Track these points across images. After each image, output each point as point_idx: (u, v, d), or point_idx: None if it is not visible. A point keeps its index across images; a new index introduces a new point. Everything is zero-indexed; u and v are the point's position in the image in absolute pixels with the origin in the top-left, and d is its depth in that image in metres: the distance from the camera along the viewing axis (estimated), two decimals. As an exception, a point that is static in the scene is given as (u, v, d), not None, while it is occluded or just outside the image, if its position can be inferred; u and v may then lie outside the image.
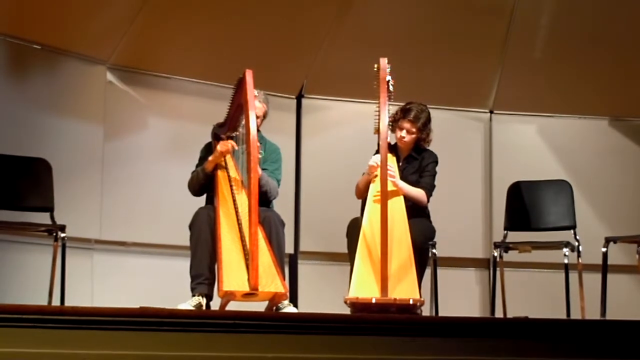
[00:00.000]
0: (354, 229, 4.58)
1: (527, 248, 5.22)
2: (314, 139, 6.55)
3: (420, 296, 4.32)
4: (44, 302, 4.82)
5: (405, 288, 4.27)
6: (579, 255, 5.10)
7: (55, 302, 4.82)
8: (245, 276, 4.21)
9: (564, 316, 5.06)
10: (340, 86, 6.47)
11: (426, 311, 4.85)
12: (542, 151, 6.72)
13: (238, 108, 4.51)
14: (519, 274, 6.15)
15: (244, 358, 3.28)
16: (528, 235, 5.41)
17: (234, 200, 4.51)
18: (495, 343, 3.45)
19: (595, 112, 6.74)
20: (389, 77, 4.51)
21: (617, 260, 5.68)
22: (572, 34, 6.43)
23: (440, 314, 5.00)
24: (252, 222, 4.24)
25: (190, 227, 4.51)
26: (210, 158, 4.64)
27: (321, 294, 6.15)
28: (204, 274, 4.40)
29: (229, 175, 4.61)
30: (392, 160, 4.69)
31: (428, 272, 4.83)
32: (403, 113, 4.79)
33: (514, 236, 5.40)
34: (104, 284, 5.74)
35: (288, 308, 4.47)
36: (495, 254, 5.27)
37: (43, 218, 5.05)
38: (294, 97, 6.54)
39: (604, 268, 5.09)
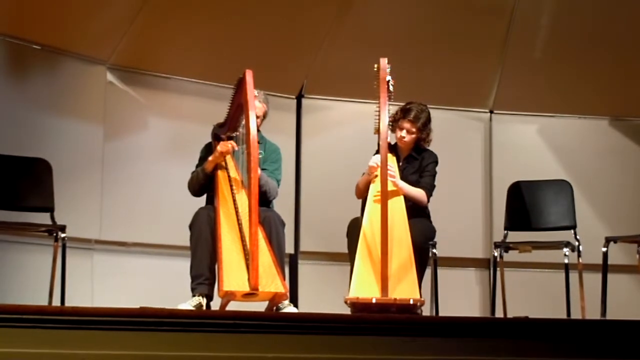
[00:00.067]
0: (354, 229, 4.58)
1: (527, 248, 5.22)
2: (314, 139, 6.55)
3: (421, 296, 4.32)
4: (44, 303, 4.82)
5: (406, 288, 4.27)
6: (579, 255, 5.10)
7: (56, 302, 4.82)
8: (246, 276, 4.21)
9: (564, 316, 5.06)
10: (341, 86, 6.47)
11: (426, 311, 4.85)
12: (542, 151, 6.72)
13: (238, 108, 4.51)
14: (519, 274, 6.15)
15: (244, 358, 3.28)
16: (528, 235, 5.41)
17: (234, 201, 4.51)
18: (495, 343, 3.45)
19: (596, 112, 6.75)
20: (389, 77, 4.52)
21: (618, 260, 5.68)
22: (572, 34, 6.43)
23: (440, 314, 5.00)
24: (253, 222, 4.24)
25: (191, 227, 4.51)
26: (210, 158, 4.64)
27: (321, 294, 6.15)
28: (204, 274, 4.40)
29: (229, 176, 4.61)
30: (392, 160, 4.69)
31: (428, 272, 4.83)
32: (403, 113, 4.79)
33: (514, 236, 5.40)
34: (104, 284, 5.74)
35: (288, 308, 4.47)
36: (496, 253, 5.27)
37: (43, 218, 5.05)
38: (294, 97, 6.54)
39: (604, 268, 5.08)
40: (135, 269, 5.89)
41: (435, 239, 4.86)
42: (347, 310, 4.25)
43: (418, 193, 4.70)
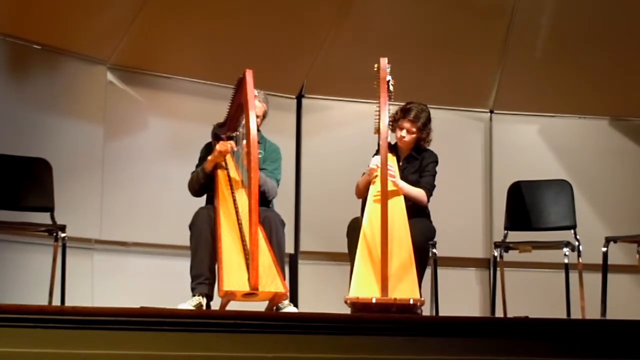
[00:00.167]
0: (354, 229, 4.58)
1: (527, 248, 5.22)
2: (314, 139, 6.55)
3: (421, 296, 4.32)
4: (45, 302, 4.82)
5: (406, 288, 4.27)
6: (579, 255, 5.10)
7: (56, 302, 4.82)
8: (246, 276, 4.21)
9: (564, 316, 5.06)
10: (341, 86, 6.47)
11: (426, 311, 4.85)
12: (543, 151, 6.72)
13: (238, 108, 4.51)
14: (519, 273, 6.15)
15: (245, 358, 3.28)
16: (528, 235, 5.41)
17: (234, 200, 4.51)
18: (495, 343, 3.45)
19: (596, 112, 6.75)
20: (389, 77, 4.52)
21: (618, 260, 5.68)
22: (572, 34, 6.43)
23: (440, 314, 5.00)
24: (253, 222, 4.24)
25: (191, 227, 4.51)
26: (209, 158, 4.64)
27: (321, 294, 6.15)
28: (204, 274, 4.40)
29: (229, 175, 4.61)
30: (392, 160, 4.69)
31: (428, 271, 4.83)
32: (403, 113, 4.79)
33: (514, 236, 5.40)
34: (104, 284, 5.74)
35: (288, 308, 4.47)
36: (496, 253, 5.27)
37: (43, 218, 5.05)
38: (294, 97, 6.54)
39: (604, 268, 5.08)
40: (135, 268, 5.89)
41: (435, 239, 4.86)
42: (347, 310, 4.25)
43: (418, 193, 4.70)
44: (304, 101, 6.57)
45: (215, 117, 4.78)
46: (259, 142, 4.51)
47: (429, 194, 4.75)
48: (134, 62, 5.97)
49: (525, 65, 6.56)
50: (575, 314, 5.16)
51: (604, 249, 5.08)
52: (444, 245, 5.03)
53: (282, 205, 5.07)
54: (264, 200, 4.58)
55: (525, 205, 5.48)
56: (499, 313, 5.33)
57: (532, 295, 6.26)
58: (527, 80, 6.63)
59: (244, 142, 4.45)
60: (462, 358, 3.41)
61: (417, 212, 4.67)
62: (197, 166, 4.78)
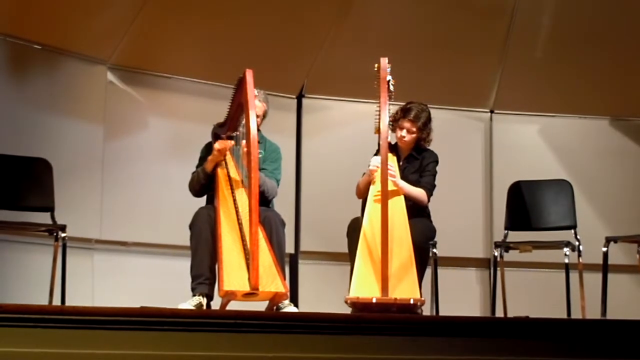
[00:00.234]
0: (354, 229, 4.58)
1: (527, 248, 5.22)
2: (315, 139, 6.55)
3: (421, 296, 4.31)
4: (45, 302, 4.82)
5: (406, 288, 4.27)
6: (579, 255, 5.10)
7: (56, 302, 4.83)
8: (246, 276, 4.21)
9: (564, 316, 5.06)
10: (341, 86, 6.47)
11: (427, 311, 4.85)
12: (543, 151, 6.72)
13: (238, 108, 4.51)
14: (520, 273, 6.16)
15: (245, 358, 3.28)
16: (529, 234, 5.41)
17: (235, 200, 4.51)
18: (495, 343, 3.45)
19: (596, 112, 6.75)
20: (389, 77, 4.52)
21: (618, 260, 5.68)
22: (572, 34, 6.43)
23: (440, 314, 5.00)
24: (253, 222, 4.24)
25: (191, 227, 4.51)
26: (209, 158, 4.64)
27: (321, 294, 6.15)
28: (205, 274, 4.40)
29: (229, 175, 4.61)
30: (392, 160, 4.69)
31: (428, 271, 4.83)
32: (403, 113, 4.79)
33: (515, 236, 5.40)
34: (104, 283, 5.74)
35: (288, 308, 4.47)
36: (496, 253, 5.27)
37: (43, 218, 5.05)
38: (294, 97, 6.54)
39: (605, 268, 5.08)
40: (135, 268, 5.89)
41: (435, 239, 4.86)
42: (347, 310, 4.25)
43: (418, 193, 4.70)
44: (304, 101, 6.57)
45: (215, 117, 4.78)
46: (259, 142, 4.51)
47: (430, 193, 4.75)
48: (134, 62, 5.97)
49: (526, 65, 6.56)
50: (576, 314, 5.16)
51: (604, 249, 5.08)
52: (444, 245, 5.03)
53: (282, 205, 5.07)
54: (264, 200, 4.58)
55: (526, 205, 5.48)
56: (499, 313, 5.33)
57: (533, 295, 6.26)
58: (527, 80, 6.63)
59: (244, 141, 4.45)
60: (462, 358, 3.41)
61: (417, 212, 4.67)
62: (197, 166, 4.78)
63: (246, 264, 4.25)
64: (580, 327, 3.63)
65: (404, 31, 6.35)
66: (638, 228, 5.57)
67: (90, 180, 5.75)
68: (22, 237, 5.31)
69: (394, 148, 4.83)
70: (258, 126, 4.59)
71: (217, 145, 4.61)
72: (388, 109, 4.51)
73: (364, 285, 4.29)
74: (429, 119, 4.80)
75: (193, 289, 4.40)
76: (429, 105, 4.87)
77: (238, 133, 4.64)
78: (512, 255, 5.37)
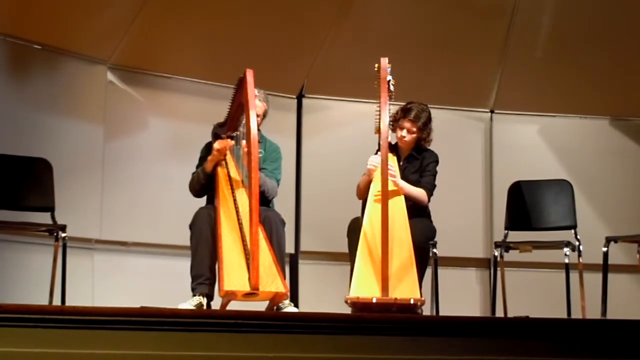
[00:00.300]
0: (354, 229, 4.58)
1: (527, 248, 5.22)
2: (315, 139, 6.55)
3: (421, 296, 4.31)
4: (45, 302, 4.82)
5: (406, 288, 4.27)
6: (579, 255, 5.10)
7: (56, 302, 4.83)
8: (246, 276, 4.21)
9: (564, 316, 5.06)
10: (341, 86, 6.47)
11: (427, 311, 4.85)
12: (543, 151, 6.72)
13: (239, 108, 4.51)
14: (520, 273, 6.16)
15: (245, 358, 3.28)
16: (529, 234, 5.41)
17: (235, 200, 4.50)
18: (495, 342, 3.45)
19: (596, 112, 6.75)
20: (389, 77, 4.52)
21: (618, 260, 5.68)
22: (572, 34, 6.43)
23: (441, 314, 5.00)
24: (253, 222, 4.24)
25: (191, 226, 4.51)
26: (209, 158, 4.64)
27: (322, 294, 6.15)
28: (205, 274, 4.40)
29: (229, 175, 4.61)
30: (392, 160, 4.69)
31: (429, 271, 4.83)
32: (403, 112, 4.79)
33: (515, 236, 5.40)
34: (104, 283, 5.74)
35: (289, 308, 4.47)
36: (496, 253, 5.27)
37: (44, 218, 5.05)
38: (294, 97, 6.54)
39: (605, 268, 5.08)
40: (135, 268, 5.89)
41: (435, 239, 4.86)
42: (347, 310, 4.25)
43: (419, 193, 4.70)
44: (304, 101, 6.57)
45: (215, 117, 4.78)
46: (259, 142, 4.51)
47: (430, 193, 4.75)
48: (134, 62, 5.97)
49: (526, 65, 6.56)
50: (576, 314, 5.16)
51: (605, 249, 5.08)
52: (445, 245, 5.03)
53: (282, 205, 5.07)
54: (264, 200, 4.58)
55: (526, 205, 5.48)
56: (499, 313, 5.33)
57: (533, 295, 6.26)
58: (527, 80, 6.63)
59: (244, 141, 4.45)
60: (462, 358, 3.41)
61: (417, 211, 4.67)
62: (197, 166, 4.78)
63: (246, 264, 4.25)
64: (580, 327, 3.63)
65: (404, 31, 6.35)
66: (638, 228, 5.57)
67: (90, 180, 5.75)
68: (22, 237, 5.31)
69: (394, 148, 4.83)
70: (258, 126, 4.59)
71: (217, 145, 4.62)
72: (388, 109, 4.51)
73: (364, 285, 4.29)
74: (429, 119, 4.80)
75: (193, 289, 4.40)
76: (429, 105, 4.87)
77: (238, 133, 4.64)
78: (512, 255, 5.37)
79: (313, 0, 6.14)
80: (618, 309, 5.16)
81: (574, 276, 5.12)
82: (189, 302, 4.32)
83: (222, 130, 4.71)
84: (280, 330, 3.33)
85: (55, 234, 4.85)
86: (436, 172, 4.81)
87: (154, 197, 5.96)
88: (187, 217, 4.55)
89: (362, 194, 4.75)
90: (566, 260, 5.06)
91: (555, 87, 6.63)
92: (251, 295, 4.21)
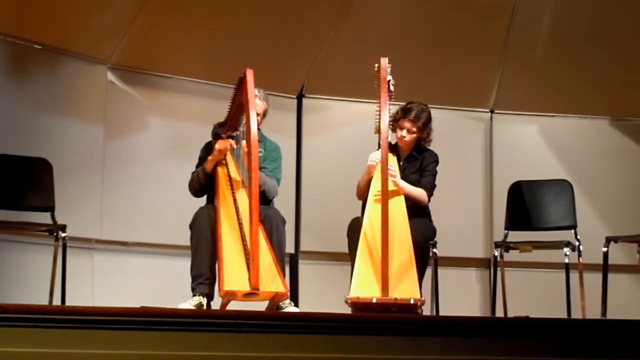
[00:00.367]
0: (354, 229, 4.58)
1: (527, 248, 5.22)
2: (315, 139, 6.55)
3: (421, 296, 4.32)
4: (45, 302, 4.82)
5: (406, 288, 4.27)
6: (579, 255, 5.10)
7: (56, 301, 4.83)
8: (246, 276, 4.21)
9: (564, 316, 5.06)
10: (341, 86, 6.47)
11: (427, 311, 4.85)
12: (543, 151, 6.72)
13: (239, 107, 4.51)
14: (520, 273, 6.15)
15: (245, 358, 3.28)
16: (529, 234, 5.41)
17: (235, 200, 4.50)
18: (495, 342, 3.45)
19: (596, 112, 6.75)
20: (389, 77, 4.52)
21: (618, 260, 5.69)
22: (572, 34, 6.43)
23: (441, 314, 5.00)
24: (253, 222, 4.24)
25: (191, 226, 4.51)
26: (209, 158, 4.64)
27: (322, 294, 6.15)
28: (205, 274, 4.40)
29: (229, 175, 4.61)
30: (392, 160, 4.69)
31: (429, 271, 4.83)
32: (404, 112, 4.79)
33: (515, 236, 5.40)
34: (104, 283, 5.74)
35: (289, 307, 4.46)
36: (496, 253, 5.27)
37: (44, 218, 5.05)
38: (294, 96, 6.54)
39: (605, 268, 5.09)
40: (135, 268, 5.89)
41: (435, 239, 4.86)
42: (347, 310, 4.25)
43: (419, 193, 4.70)
44: (305, 101, 6.57)
45: (215, 117, 4.78)
46: (259, 141, 4.50)
47: (430, 193, 4.75)
48: (134, 62, 5.97)
49: (526, 65, 6.56)
50: (576, 314, 5.16)
51: (605, 249, 5.09)
52: (445, 245, 5.03)
53: (283, 205, 5.07)
54: (265, 199, 4.58)
55: (526, 205, 5.48)
56: (499, 313, 5.33)
57: (533, 295, 6.26)
58: (527, 80, 6.64)
59: (244, 141, 4.45)
60: (462, 358, 3.41)
61: (417, 211, 4.67)
62: (197, 166, 4.78)
63: (246, 264, 4.25)
64: (580, 327, 3.63)
65: (404, 31, 6.35)
66: (638, 228, 5.57)
67: (90, 180, 5.75)
68: (22, 237, 5.31)
69: (394, 148, 4.83)
70: (258, 125, 4.59)
71: (218, 145, 4.62)
72: (388, 109, 4.51)
73: (364, 285, 4.29)
74: (429, 119, 4.80)
75: (193, 289, 4.40)
76: (429, 105, 4.87)
77: (238, 133, 4.64)
78: (512, 255, 5.37)
79: (313, 0, 6.14)
80: (618, 309, 5.17)
81: (574, 276, 5.12)
82: (189, 302, 4.32)
83: (222, 130, 4.71)
84: (280, 330, 3.33)
85: (55, 234, 4.85)
86: (436, 172, 4.81)
87: (154, 197, 5.96)
88: (187, 217, 4.55)
89: (362, 193, 4.75)
90: (566, 260, 5.06)
91: (555, 87, 6.63)
92: (251, 295, 4.21)
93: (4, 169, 5.07)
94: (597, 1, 6.33)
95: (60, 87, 5.68)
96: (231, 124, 4.65)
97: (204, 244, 4.43)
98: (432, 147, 4.86)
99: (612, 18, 6.36)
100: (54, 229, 4.86)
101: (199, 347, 3.25)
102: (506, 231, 5.43)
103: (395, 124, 4.80)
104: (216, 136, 4.74)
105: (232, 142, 4.63)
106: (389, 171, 4.49)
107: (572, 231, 5.27)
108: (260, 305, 4.37)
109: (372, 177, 4.61)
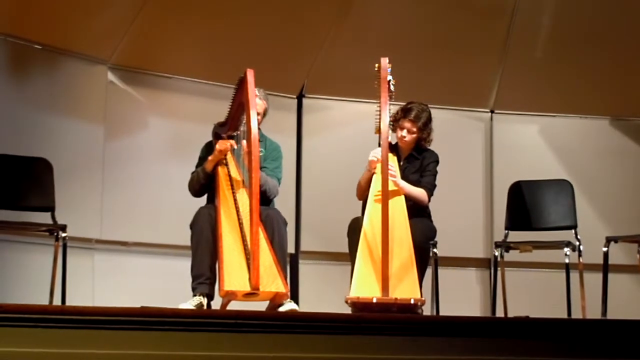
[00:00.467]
0: (354, 229, 4.58)
1: (528, 248, 5.22)
2: (315, 139, 6.55)
3: (421, 296, 4.32)
4: (45, 302, 4.82)
5: (406, 288, 4.27)
6: (579, 255, 5.10)
7: (56, 302, 4.83)
8: (247, 276, 4.21)
9: (565, 316, 5.06)
10: (341, 86, 6.48)
11: (427, 311, 4.85)
12: (543, 151, 6.72)
13: (239, 107, 4.52)
14: (520, 273, 6.16)
15: (245, 358, 3.28)
16: (529, 234, 5.41)
17: (235, 200, 4.50)
18: (496, 343, 3.45)
19: (596, 112, 6.75)
20: (389, 77, 4.52)
21: (618, 260, 5.68)
22: (572, 34, 6.43)
23: (441, 314, 5.00)
24: (254, 222, 4.24)
25: (191, 226, 4.51)
26: (210, 158, 4.64)
27: (322, 294, 6.15)
28: (205, 274, 4.40)
29: (229, 175, 4.61)
30: (393, 160, 4.69)
31: (429, 271, 4.82)
32: (404, 112, 4.79)
33: (515, 236, 5.40)
34: (104, 283, 5.74)
35: (289, 305, 4.45)
36: (496, 253, 5.27)
37: (44, 218, 5.05)
38: (294, 96, 6.54)
39: (605, 268, 5.09)
40: (136, 268, 5.89)
41: (436, 239, 4.86)
42: (347, 310, 4.25)
43: (419, 192, 4.70)
44: (305, 101, 6.57)
45: (215, 117, 4.78)
46: (259, 141, 4.50)
47: (430, 193, 4.75)
48: (135, 62, 5.97)
49: (526, 65, 6.56)
50: (576, 314, 5.16)
51: (605, 249, 5.09)
52: (445, 245, 5.03)
53: (283, 205, 5.07)
54: (265, 199, 4.58)
55: (526, 205, 5.48)
56: (499, 313, 5.33)
57: (533, 295, 6.26)
58: (527, 80, 6.64)
59: (245, 141, 4.45)
60: (462, 358, 3.41)
61: (417, 211, 4.67)
62: (197, 166, 4.77)
63: (247, 264, 4.25)
64: (580, 327, 3.63)
65: (404, 31, 6.35)
66: (638, 228, 5.57)
67: (90, 180, 5.75)
68: (23, 237, 5.31)
69: (394, 148, 4.83)
70: (258, 124, 4.59)
71: (219, 145, 4.61)
72: (388, 109, 4.51)
73: (365, 285, 4.29)
74: (429, 119, 4.80)
75: (193, 289, 4.40)
76: (429, 105, 4.87)
77: (239, 132, 4.64)
78: (512, 255, 5.37)
79: (313, 0, 6.14)
80: (618, 309, 5.16)
81: (574, 276, 5.12)
82: (190, 302, 4.32)
83: (222, 129, 4.71)
84: (280, 330, 3.33)
85: (55, 233, 4.85)
86: (436, 172, 4.81)
87: (154, 197, 5.96)
88: (187, 217, 4.55)
89: (363, 192, 4.75)
90: (566, 260, 5.05)
91: (555, 87, 6.63)
92: (251, 295, 4.21)
93: (4, 169, 5.07)
94: (597, 1, 6.33)
95: (60, 87, 5.68)
96: (232, 124, 4.65)
97: (204, 244, 4.43)
98: (432, 147, 4.86)
99: (612, 18, 6.36)
100: (54, 229, 4.86)
101: (199, 347, 3.25)
102: (506, 231, 5.43)
103: (395, 124, 4.80)
104: (217, 136, 4.73)
105: (233, 142, 4.63)
106: (389, 171, 4.49)
107: (573, 231, 5.27)
108: (261, 305, 4.37)
109: (373, 173, 4.61)
